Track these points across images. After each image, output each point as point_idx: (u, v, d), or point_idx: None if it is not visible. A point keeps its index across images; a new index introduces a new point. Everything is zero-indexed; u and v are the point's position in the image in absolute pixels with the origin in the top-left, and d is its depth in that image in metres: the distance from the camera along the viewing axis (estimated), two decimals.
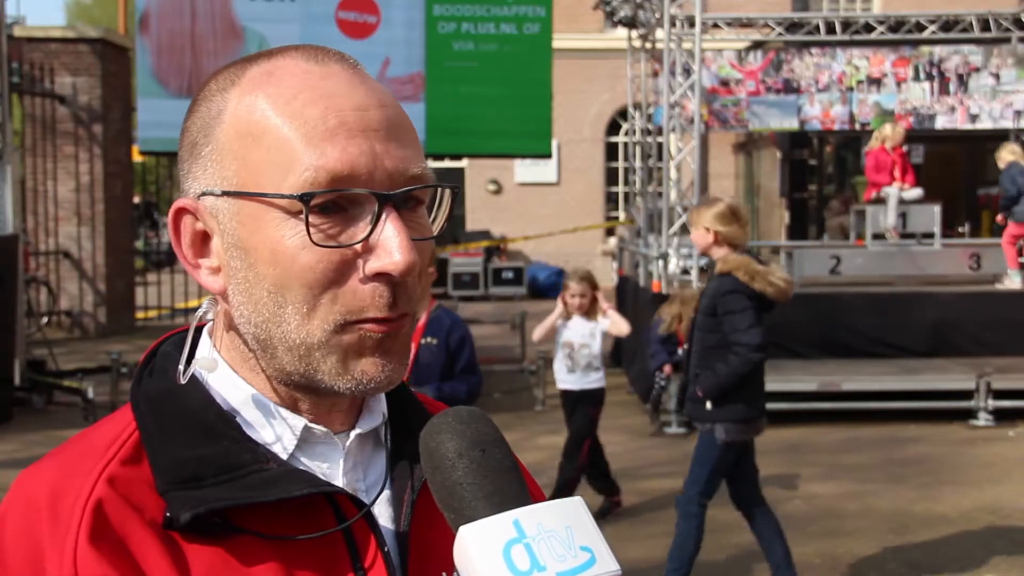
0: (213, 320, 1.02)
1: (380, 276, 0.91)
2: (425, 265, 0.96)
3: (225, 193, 0.93)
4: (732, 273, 4.87)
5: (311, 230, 0.89)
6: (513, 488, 0.84)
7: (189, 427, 0.94)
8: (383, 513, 0.98)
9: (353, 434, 0.99)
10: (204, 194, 0.95)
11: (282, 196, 0.90)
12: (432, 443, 0.85)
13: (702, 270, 10.61)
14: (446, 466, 0.83)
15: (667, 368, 8.98)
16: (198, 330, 1.02)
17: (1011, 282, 10.64)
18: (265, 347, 0.94)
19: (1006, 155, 10.72)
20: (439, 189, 0.98)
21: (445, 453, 0.84)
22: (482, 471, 0.83)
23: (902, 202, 10.94)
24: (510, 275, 20.18)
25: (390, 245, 0.90)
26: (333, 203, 0.90)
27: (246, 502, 0.90)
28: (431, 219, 0.98)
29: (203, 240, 0.97)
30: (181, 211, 0.96)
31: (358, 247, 0.91)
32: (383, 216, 0.91)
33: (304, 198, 0.89)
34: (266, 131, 0.91)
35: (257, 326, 0.93)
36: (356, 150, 0.90)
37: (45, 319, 13.48)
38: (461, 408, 0.88)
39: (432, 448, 0.84)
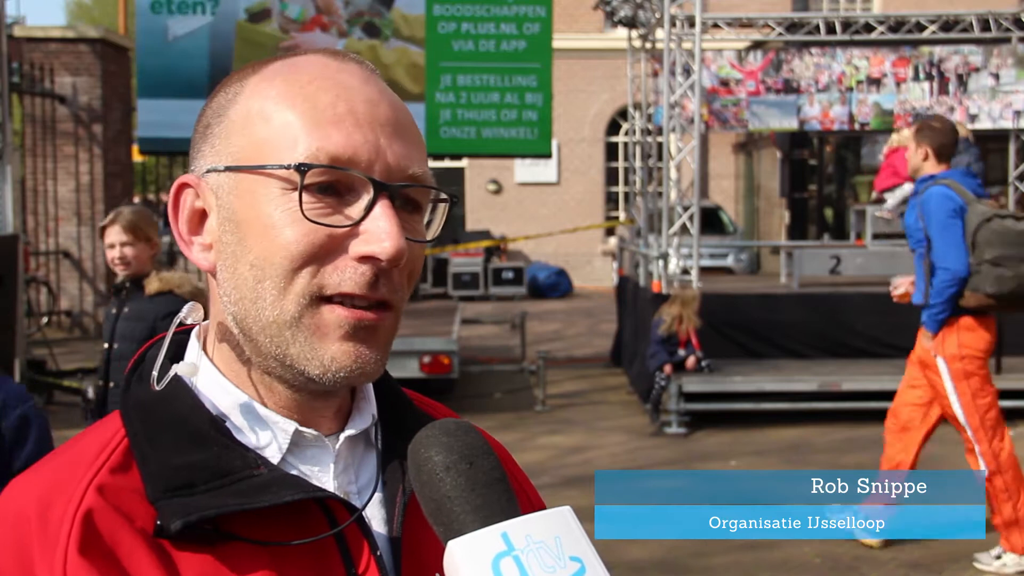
0: (200, 324, 1.02)
1: (366, 259, 0.91)
2: (414, 267, 0.96)
3: (228, 168, 0.94)
4: (174, 292, 4.37)
5: (304, 205, 0.90)
6: (501, 500, 0.83)
7: (178, 433, 0.93)
8: (375, 515, 0.97)
9: (343, 436, 0.98)
10: (209, 171, 0.96)
11: (280, 167, 0.91)
12: (420, 457, 0.84)
13: (703, 270, 10.62)
14: (434, 480, 0.83)
15: (667, 368, 8.99)
16: (188, 333, 1.02)
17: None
18: (243, 329, 0.94)
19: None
20: (437, 200, 0.99)
21: (433, 467, 0.83)
22: (470, 484, 0.83)
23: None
24: (510, 275, 20.17)
25: (380, 231, 0.90)
26: (330, 186, 0.91)
27: (237, 509, 0.89)
28: (426, 226, 0.99)
29: (200, 219, 0.98)
30: (183, 186, 0.98)
31: (347, 229, 0.91)
32: (377, 203, 0.91)
33: (301, 168, 0.90)
34: (276, 111, 0.93)
35: (236, 304, 0.94)
36: (361, 138, 0.91)
37: (45, 319, 13.48)
38: (448, 420, 0.87)
39: (420, 462, 0.84)
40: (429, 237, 0.98)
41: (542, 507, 1.08)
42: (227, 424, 0.95)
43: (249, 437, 0.95)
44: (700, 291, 9.53)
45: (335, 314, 0.91)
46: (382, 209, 0.91)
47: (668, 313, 9.10)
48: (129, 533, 0.88)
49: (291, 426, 0.96)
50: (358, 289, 0.91)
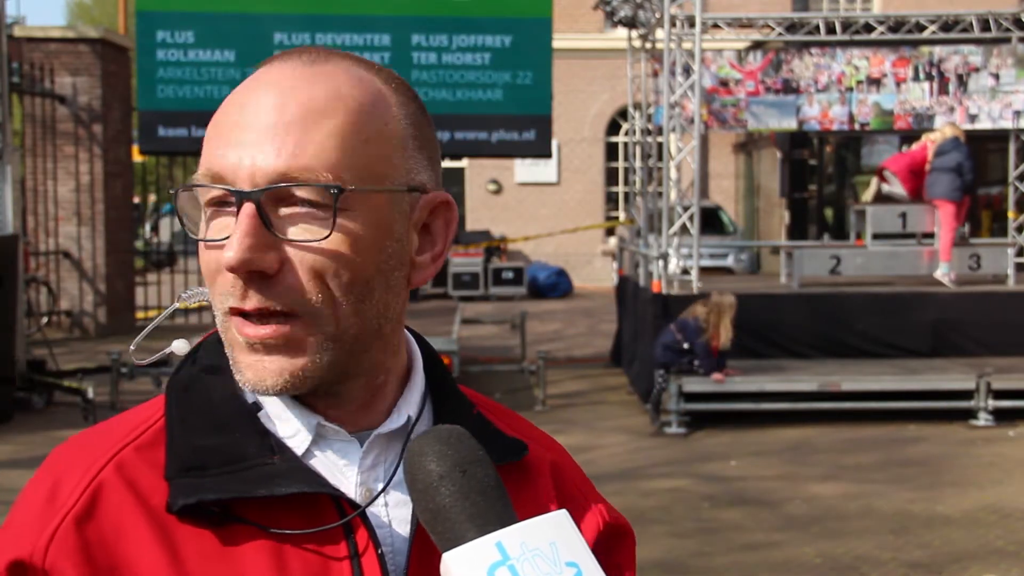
0: None
1: (229, 270, 0.93)
2: (315, 266, 0.92)
3: None
4: None
5: (201, 223, 0.96)
6: (496, 508, 0.83)
7: (208, 417, 0.97)
8: (396, 515, 0.98)
9: (373, 434, 1.00)
10: None
11: (172, 190, 0.98)
12: (414, 466, 0.85)
13: (703, 270, 10.61)
14: (429, 489, 0.83)
15: (718, 376, 8.97)
16: None
17: (941, 275, 10.61)
18: None
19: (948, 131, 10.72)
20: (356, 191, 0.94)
21: (427, 477, 0.83)
22: (464, 493, 0.83)
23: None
24: (510, 275, 20.17)
25: (230, 241, 0.92)
26: (220, 202, 0.95)
27: (237, 495, 0.92)
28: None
29: None
30: None
31: (224, 242, 0.94)
32: (239, 213, 0.92)
33: (170, 191, 0.97)
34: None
35: None
36: (228, 149, 0.93)
37: (45, 319, 13.48)
38: (442, 428, 0.87)
39: (414, 471, 0.84)
40: (328, 232, 0.92)
41: (606, 512, 1.12)
42: (260, 413, 0.99)
43: (278, 426, 0.98)
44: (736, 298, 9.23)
45: (235, 330, 0.95)
46: (239, 218, 0.92)
47: (703, 312, 8.98)
48: (136, 509, 0.93)
49: (314, 419, 0.98)
50: (234, 302, 0.94)
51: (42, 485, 0.96)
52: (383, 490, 0.98)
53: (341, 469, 0.98)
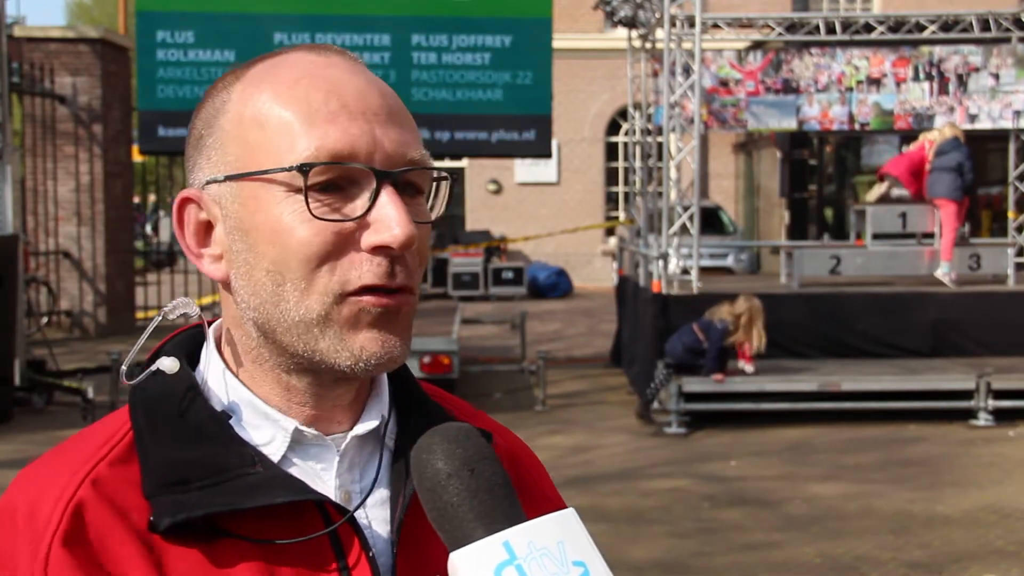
0: (217, 322, 1.03)
1: (379, 249, 0.92)
2: (423, 249, 0.97)
3: (228, 177, 0.95)
4: None
5: (310, 203, 0.91)
6: (503, 507, 0.83)
7: (180, 429, 0.94)
8: (376, 516, 0.97)
9: (349, 436, 0.98)
10: (209, 182, 0.96)
11: (282, 169, 0.91)
12: (422, 464, 0.84)
13: (703, 270, 10.60)
14: (437, 488, 0.83)
15: (719, 376, 8.94)
16: (199, 328, 1.03)
17: (942, 274, 10.63)
18: (266, 332, 0.95)
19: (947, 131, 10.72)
20: (439, 179, 1.00)
21: (435, 475, 0.83)
22: (471, 492, 0.82)
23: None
24: (510, 275, 20.17)
25: (389, 219, 0.91)
26: (332, 183, 0.92)
27: (226, 509, 0.90)
28: (429, 208, 1.00)
29: (206, 230, 0.98)
30: (186, 201, 0.98)
31: (355, 223, 0.92)
32: (381, 192, 0.92)
33: (303, 168, 0.90)
34: (269, 115, 0.93)
35: (256, 309, 0.94)
36: (357, 131, 0.92)
37: (45, 319, 13.48)
38: (450, 425, 0.87)
39: (422, 469, 0.84)
40: (433, 217, 0.99)
41: (561, 504, 1.09)
42: (232, 421, 0.96)
43: (252, 434, 0.96)
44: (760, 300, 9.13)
45: (360, 305, 0.92)
46: (388, 197, 0.92)
47: (730, 314, 8.93)
48: (119, 527, 0.89)
49: (291, 424, 0.96)
50: (378, 280, 0.92)
51: (19, 507, 0.91)
52: (370, 492, 0.98)
53: (318, 473, 0.97)
